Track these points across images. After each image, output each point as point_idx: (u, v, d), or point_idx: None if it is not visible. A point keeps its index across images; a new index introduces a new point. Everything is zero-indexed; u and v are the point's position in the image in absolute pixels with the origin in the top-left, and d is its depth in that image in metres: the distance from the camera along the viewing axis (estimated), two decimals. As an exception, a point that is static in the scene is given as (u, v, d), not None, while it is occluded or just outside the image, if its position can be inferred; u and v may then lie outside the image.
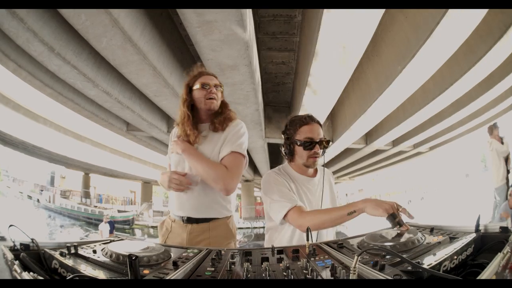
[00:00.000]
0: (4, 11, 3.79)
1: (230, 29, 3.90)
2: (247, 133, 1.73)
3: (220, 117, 1.68)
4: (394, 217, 1.14)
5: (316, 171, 1.74)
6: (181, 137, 1.67)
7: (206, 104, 1.66)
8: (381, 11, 3.73)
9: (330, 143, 1.69)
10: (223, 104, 1.75)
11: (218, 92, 1.69)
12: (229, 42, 4.22)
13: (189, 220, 1.64)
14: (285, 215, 1.49)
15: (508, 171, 4.98)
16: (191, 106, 1.70)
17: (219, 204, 1.67)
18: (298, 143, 1.61)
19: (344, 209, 1.34)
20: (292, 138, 1.64)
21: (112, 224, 12.16)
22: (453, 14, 3.59)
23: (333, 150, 11.37)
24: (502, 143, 5.05)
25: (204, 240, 1.61)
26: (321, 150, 1.62)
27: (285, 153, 1.70)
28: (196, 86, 1.67)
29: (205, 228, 1.63)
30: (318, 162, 1.66)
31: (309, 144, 1.59)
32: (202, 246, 1.37)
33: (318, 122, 1.65)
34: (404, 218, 1.16)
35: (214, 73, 1.76)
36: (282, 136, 1.72)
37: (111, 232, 11.11)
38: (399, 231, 1.08)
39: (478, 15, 3.70)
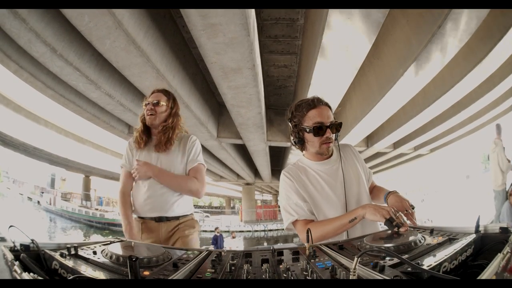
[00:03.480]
0: (6, 11, 3.80)
1: (235, 32, 3.89)
2: (199, 143, 2.04)
3: (161, 138, 1.91)
4: (391, 221, 1.16)
5: (331, 152, 1.57)
6: (141, 161, 1.88)
7: (147, 120, 1.92)
8: (384, 14, 3.72)
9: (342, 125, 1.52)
10: (170, 120, 1.95)
11: (158, 107, 1.92)
12: (233, 45, 4.21)
13: (161, 219, 1.87)
14: (293, 223, 1.48)
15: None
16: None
17: (186, 202, 1.97)
18: (308, 130, 1.46)
19: (345, 217, 1.33)
20: (300, 125, 1.48)
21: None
22: (454, 17, 3.60)
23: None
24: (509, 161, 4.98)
25: (176, 235, 1.89)
26: (334, 134, 1.48)
27: (294, 142, 1.55)
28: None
29: (175, 223, 1.91)
30: (332, 147, 1.52)
31: (320, 129, 1.43)
32: (177, 242, 1.86)
33: (327, 104, 1.51)
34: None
35: (165, 88, 2.02)
36: (289, 124, 1.57)
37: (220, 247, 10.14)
38: (400, 232, 1.10)
39: (479, 17, 3.71)
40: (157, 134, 1.94)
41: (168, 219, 1.89)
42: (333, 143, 1.51)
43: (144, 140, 1.94)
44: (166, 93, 2.00)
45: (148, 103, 1.93)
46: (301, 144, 1.53)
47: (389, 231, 1.16)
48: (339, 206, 1.47)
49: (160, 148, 1.91)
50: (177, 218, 1.92)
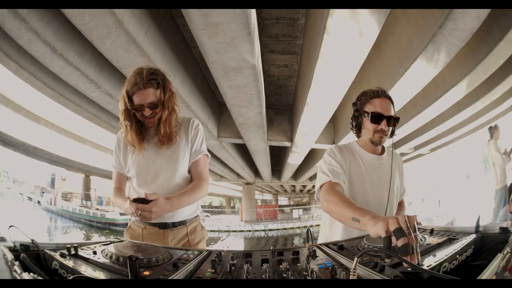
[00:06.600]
0: (6, 10, 3.78)
1: (236, 31, 3.87)
2: (202, 128, 1.73)
3: (162, 134, 1.57)
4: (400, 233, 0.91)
5: (383, 150, 1.65)
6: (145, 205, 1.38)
7: (146, 124, 1.59)
8: (385, 14, 3.71)
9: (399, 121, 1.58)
10: (167, 111, 1.57)
11: (157, 109, 1.54)
12: (234, 45, 4.20)
13: (166, 226, 1.58)
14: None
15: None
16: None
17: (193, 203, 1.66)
18: (366, 115, 1.53)
19: (354, 211, 1.09)
20: (361, 110, 1.56)
21: None
22: (455, 17, 3.59)
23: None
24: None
25: (185, 245, 1.62)
26: (389, 128, 1.53)
27: (352, 125, 1.63)
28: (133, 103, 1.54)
29: (183, 232, 1.64)
30: (385, 140, 1.58)
31: (376, 118, 1.49)
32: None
33: (390, 98, 1.56)
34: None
35: (154, 76, 1.53)
36: (352, 107, 1.63)
37: None
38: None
39: (479, 17, 3.70)
40: (156, 127, 1.60)
41: (174, 225, 1.61)
42: (387, 137, 1.57)
43: (142, 141, 1.60)
44: (155, 82, 1.52)
45: (142, 106, 1.51)
46: (358, 128, 1.60)
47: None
48: (366, 201, 1.49)
49: (164, 144, 1.59)
50: (184, 223, 1.64)
